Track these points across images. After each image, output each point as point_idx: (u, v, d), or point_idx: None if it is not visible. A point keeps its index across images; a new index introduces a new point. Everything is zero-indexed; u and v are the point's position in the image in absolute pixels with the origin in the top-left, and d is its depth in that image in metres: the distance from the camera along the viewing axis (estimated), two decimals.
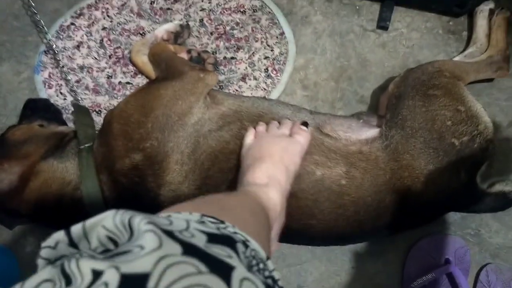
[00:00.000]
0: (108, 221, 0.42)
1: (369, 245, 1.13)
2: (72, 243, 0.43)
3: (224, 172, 0.93)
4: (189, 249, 0.38)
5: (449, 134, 0.95)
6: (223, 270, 0.37)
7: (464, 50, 1.25)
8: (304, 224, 0.94)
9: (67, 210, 0.98)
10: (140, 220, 0.39)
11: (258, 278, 0.40)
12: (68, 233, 0.43)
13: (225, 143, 0.95)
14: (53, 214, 0.99)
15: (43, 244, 0.44)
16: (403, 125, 0.98)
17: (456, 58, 1.21)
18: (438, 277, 1.04)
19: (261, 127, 0.95)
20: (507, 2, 1.28)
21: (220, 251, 0.40)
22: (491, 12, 1.24)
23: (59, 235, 0.43)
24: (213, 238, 0.42)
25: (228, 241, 0.43)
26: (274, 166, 0.78)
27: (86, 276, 0.36)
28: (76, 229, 0.43)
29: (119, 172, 0.95)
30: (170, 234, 0.39)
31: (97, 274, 0.35)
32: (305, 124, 0.96)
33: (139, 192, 0.94)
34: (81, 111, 1.15)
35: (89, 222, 0.42)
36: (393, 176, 0.95)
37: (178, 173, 0.93)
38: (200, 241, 0.40)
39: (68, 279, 0.37)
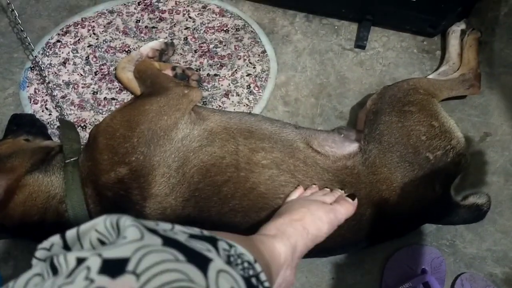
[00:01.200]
0: (100, 225, 0.44)
1: (348, 256, 1.16)
2: (66, 246, 0.45)
3: (216, 185, 0.96)
4: (169, 242, 0.41)
5: (424, 148, 1.00)
6: (200, 261, 0.40)
7: (437, 68, 1.31)
8: None
9: (51, 223, 0.99)
10: (125, 219, 0.42)
11: (236, 271, 0.42)
12: (63, 237, 0.45)
13: (219, 158, 0.97)
14: (37, 228, 0.99)
15: (39, 246, 0.46)
16: (380, 140, 1.02)
17: (430, 76, 1.27)
18: (415, 286, 1.07)
19: (309, 190, 0.95)
20: (478, 23, 1.35)
21: (199, 245, 0.43)
22: (463, 33, 1.30)
23: (55, 238, 0.46)
24: (194, 236, 0.45)
25: (209, 239, 0.45)
26: (288, 223, 0.76)
27: (70, 264, 0.38)
28: (70, 233, 0.45)
29: (105, 186, 0.96)
30: (153, 231, 0.42)
31: (80, 261, 0.38)
32: (352, 196, 0.93)
33: (125, 205, 0.95)
34: (67, 126, 1.16)
35: (83, 227, 0.45)
36: (372, 189, 0.98)
37: (164, 186, 0.95)
38: (182, 237, 0.43)
39: (54, 270, 0.40)
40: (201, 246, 0.43)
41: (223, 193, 0.95)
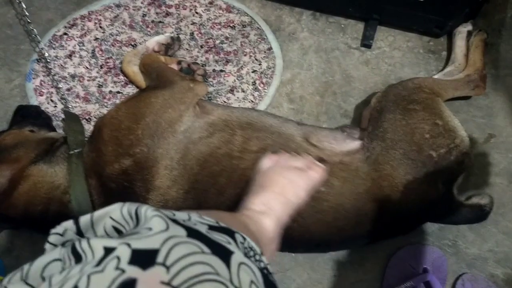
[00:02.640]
0: (116, 212, 0.45)
1: (350, 254, 1.16)
2: (79, 232, 0.46)
3: (213, 176, 0.96)
4: (193, 233, 0.41)
5: (427, 146, 1.00)
6: (223, 253, 0.41)
7: (443, 68, 1.31)
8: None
9: (55, 214, 1.00)
10: (146, 208, 0.43)
11: (254, 264, 0.43)
12: (77, 222, 0.46)
13: (215, 148, 0.98)
14: (41, 218, 1.00)
15: (52, 231, 0.46)
16: (384, 137, 1.02)
17: (436, 76, 1.27)
18: (416, 285, 1.07)
19: (277, 155, 0.95)
20: (485, 24, 1.35)
21: (220, 238, 0.43)
22: (469, 34, 1.30)
23: (68, 224, 0.46)
24: (213, 227, 0.45)
25: (227, 231, 0.46)
26: (273, 197, 0.78)
27: (97, 252, 0.38)
28: (84, 219, 0.45)
29: (109, 177, 0.97)
30: (175, 221, 0.42)
31: (108, 250, 0.38)
32: (321, 160, 0.95)
33: (128, 196, 0.96)
34: (71, 118, 1.17)
35: (97, 213, 0.45)
36: (373, 185, 0.98)
37: (167, 178, 0.95)
38: (202, 228, 0.43)
39: (78, 257, 0.40)
40: (222, 238, 0.43)
41: (219, 184, 0.96)
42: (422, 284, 1.08)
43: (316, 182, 0.86)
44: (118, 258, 0.37)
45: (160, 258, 0.37)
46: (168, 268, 0.37)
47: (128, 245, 0.38)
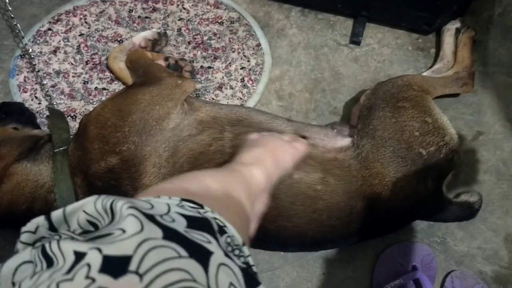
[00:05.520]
0: (89, 206, 0.43)
1: (339, 252, 1.16)
2: (52, 228, 0.44)
3: None
4: (170, 234, 0.39)
5: (417, 144, 1.00)
6: (201, 255, 0.39)
7: (432, 66, 1.31)
8: (279, 226, 0.96)
9: (39, 213, 0.97)
10: (122, 204, 0.41)
11: (235, 263, 0.41)
12: (49, 218, 0.44)
13: (206, 146, 0.96)
14: (25, 217, 0.97)
15: (23, 229, 0.44)
16: (373, 135, 1.01)
17: (425, 73, 1.27)
18: (406, 282, 1.07)
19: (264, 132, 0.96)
20: (473, 22, 1.35)
21: (199, 237, 0.41)
22: (458, 31, 1.30)
23: (39, 220, 0.44)
24: (193, 222, 0.43)
25: (207, 226, 0.44)
26: (264, 152, 0.78)
27: (68, 257, 0.36)
28: (56, 213, 0.43)
29: (95, 175, 0.95)
30: (151, 218, 0.40)
31: (79, 256, 0.36)
32: (304, 137, 0.96)
33: (115, 195, 0.94)
34: (56, 115, 1.14)
35: (70, 207, 0.43)
36: (364, 183, 0.98)
37: (155, 176, 0.94)
38: (180, 225, 0.42)
39: (49, 261, 0.38)
40: (201, 238, 0.42)
41: None
42: (412, 282, 1.08)
43: (300, 153, 0.86)
44: (89, 266, 0.35)
45: (133, 265, 0.36)
46: (141, 276, 0.35)
47: (99, 250, 0.36)
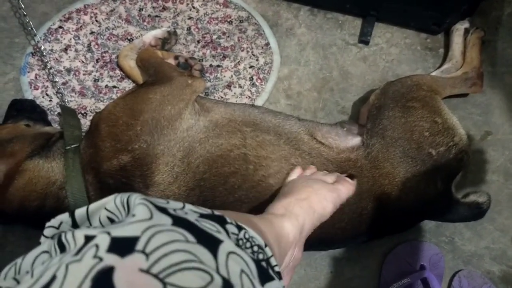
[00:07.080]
0: (110, 203, 0.44)
1: (347, 250, 1.16)
2: (75, 224, 0.45)
3: (223, 176, 0.95)
4: (179, 221, 0.40)
5: (427, 144, 1.00)
6: (210, 243, 0.40)
7: (440, 66, 1.31)
8: None
9: (51, 210, 0.98)
10: (135, 197, 0.42)
11: (247, 254, 0.42)
12: (72, 215, 0.45)
13: (226, 150, 0.97)
14: (36, 214, 0.99)
15: (47, 224, 0.45)
16: (383, 135, 1.02)
17: (433, 73, 1.27)
18: (413, 282, 1.08)
19: (308, 170, 0.96)
20: (482, 22, 1.35)
21: (209, 226, 0.42)
22: (467, 31, 1.30)
23: (63, 217, 0.45)
24: (205, 216, 0.44)
25: (219, 219, 0.45)
26: (296, 202, 0.76)
27: (78, 241, 0.38)
28: (80, 211, 0.45)
29: (106, 173, 0.96)
30: (162, 209, 0.41)
31: (89, 238, 0.37)
32: (351, 176, 0.94)
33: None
34: (68, 112, 1.15)
35: (93, 205, 0.44)
36: (375, 184, 0.99)
37: (168, 175, 0.94)
38: (191, 216, 0.42)
39: (62, 248, 0.39)
40: (211, 227, 0.42)
41: (229, 184, 0.95)
42: (419, 281, 1.09)
43: (343, 196, 0.85)
44: (97, 246, 0.36)
45: (139, 245, 0.36)
46: (147, 255, 0.36)
47: (108, 233, 0.37)
